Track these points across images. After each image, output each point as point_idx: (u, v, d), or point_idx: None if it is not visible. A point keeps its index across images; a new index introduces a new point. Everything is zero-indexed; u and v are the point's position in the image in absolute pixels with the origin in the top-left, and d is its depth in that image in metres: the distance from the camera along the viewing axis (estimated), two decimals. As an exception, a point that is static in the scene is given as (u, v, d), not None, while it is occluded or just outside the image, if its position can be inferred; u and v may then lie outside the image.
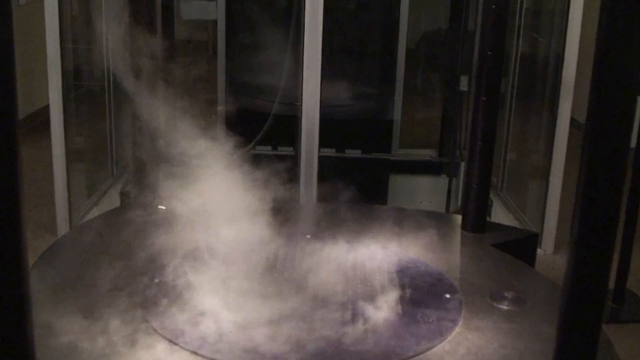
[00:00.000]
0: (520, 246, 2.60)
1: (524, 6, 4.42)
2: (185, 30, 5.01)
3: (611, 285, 3.33)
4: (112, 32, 4.18)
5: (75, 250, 2.46)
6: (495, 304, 2.07)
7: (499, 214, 4.25)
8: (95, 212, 3.98)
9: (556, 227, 3.89)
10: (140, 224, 2.58)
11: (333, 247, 2.43)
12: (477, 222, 2.63)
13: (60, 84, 3.64)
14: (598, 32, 1.69)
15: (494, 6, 2.52)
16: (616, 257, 3.31)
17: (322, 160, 3.67)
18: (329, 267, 2.29)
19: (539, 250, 3.73)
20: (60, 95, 3.64)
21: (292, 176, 3.76)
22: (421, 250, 2.44)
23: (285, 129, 3.91)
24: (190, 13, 4.58)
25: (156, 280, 2.16)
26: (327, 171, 3.70)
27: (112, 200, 4.16)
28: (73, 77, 4.04)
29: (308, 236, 2.55)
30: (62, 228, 3.75)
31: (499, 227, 2.84)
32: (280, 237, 2.46)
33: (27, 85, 5.32)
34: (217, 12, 4.56)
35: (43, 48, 3.62)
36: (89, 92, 4.40)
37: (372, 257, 2.37)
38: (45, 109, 3.86)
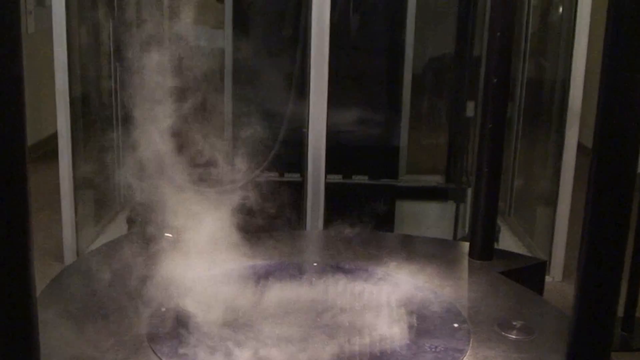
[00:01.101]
0: (528, 274, 2.59)
1: (530, 31, 4.43)
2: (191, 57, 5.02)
3: (620, 312, 3.30)
4: (120, 59, 4.22)
5: (83, 278, 2.46)
6: (503, 333, 2.05)
7: (507, 240, 4.24)
8: (102, 239, 3.98)
9: (565, 253, 3.87)
10: (147, 253, 2.58)
11: (339, 275, 2.42)
12: (484, 249, 2.62)
13: (68, 112, 3.65)
14: (603, 57, 1.69)
15: (499, 33, 2.52)
16: (625, 284, 3.30)
17: (328, 186, 3.67)
18: (335, 295, 2.28)
19: (547, 278, 3.70)
20: (69, 124, 3.66)
21: (298, 203, 3.77)
22: (428, 278, 2.43)
23: (291, 155, 3.92)
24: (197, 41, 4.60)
25: (163, 309, 2.15)
26: (334, 197, 3.70)
27: (119, 227, 4.16)
28: (81, 105, 4.06)
29: (314, 264, 2.54)
30: (69, 256, 3.75)
31: (506, 254, 2.82)
32: (286, 265, 2.45)
33: (35, 112, 5.35)
34: (225, 40, 4.59)
35: (51, 75, 3.65)
36: (96, 119, 4.42)
37: (379, 285, 2.36)
38: (53, 136, 3.88)
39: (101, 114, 4.42)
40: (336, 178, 4.21)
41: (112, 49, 4.30)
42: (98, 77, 4.51)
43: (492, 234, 2.67)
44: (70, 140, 3.68)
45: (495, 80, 2.53)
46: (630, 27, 1.64)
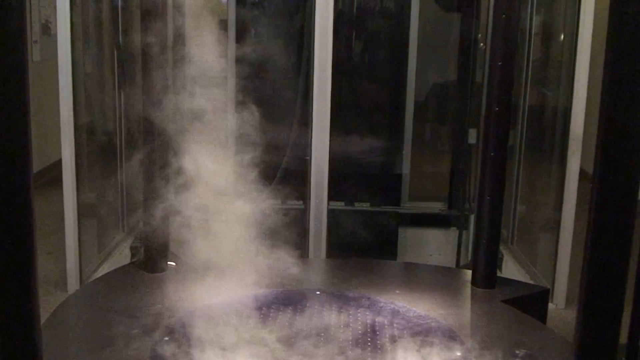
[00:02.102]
0: (531, 302, 2.59)
1: (531, 58, 4.45)
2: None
3: (623, 339, 3.28)
4: (124, 89, 4.25)
5: (86, 308, 2.47)
6: (506, 362, 2.05)
7: (510, 268, 4.23)
8: (105, 267, 3.98)
9: (568, 280, 3.86)
10: (150, 281, 2.59)
11: (342, 303, 2.42)
12: (487, 277, 2.63)
13: (73, 141, 3.67)
14: (603, 84, 1.71)
15: (500, 63, 2.55)
16: (628, 309, 3.28)
17: (331, 213, 3.68)
18: (338, 323, 2.28)
19: (550, 305, 3.69)
20: (73, 152, 3.67)
21: (301, 230, 3.77)
22: (432, 306, 2.43)
23: (294, 183, 3.93)
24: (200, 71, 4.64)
25: (166, 338, 2.15)
26: (337, 224, 3.71)
27: (122, 256, 4.17)
28: (85, 132, 4.09)
29: (317, 292, 2.54)
30: (73, 284, 3.75)
31: (509, 282, 2.83)
32: (289, 293, 2.45)
33: (39, 139, 5.38)
34: (227, 69, 4.62)
35: (55, 102, 3.67)
36: (101, 147, 4.44)
37: (383, 313, 2.36)
38: (57, 164, 3.90)
39: (105, 142, 4.44)
40: (339, 205, 4.22)
41: (116, 77, 4.33)
42: (102, 105, 4.54)
43: (494, 262, 2.67)
44: (75, 168, 3.69)
45: (496, 109, 2.55)
46: (630, 56, 1.66)
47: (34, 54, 5.71)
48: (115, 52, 4.26)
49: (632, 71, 1.66)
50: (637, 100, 1.68)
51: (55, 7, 3.63)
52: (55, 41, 3.66)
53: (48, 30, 5.97)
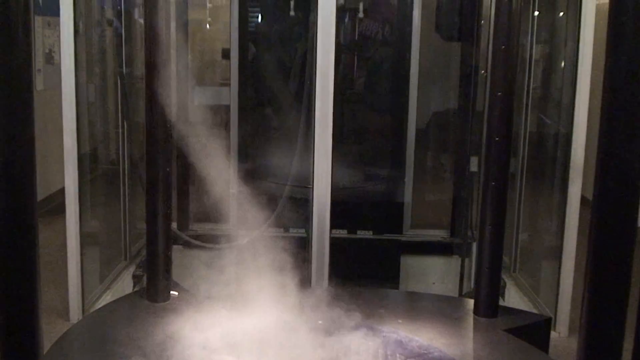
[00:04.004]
0: (534, 331, 2.58)
1: (532, 85, 4.48)
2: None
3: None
4: (128, 117, 4.28)
5: (89, 338, 2.46)
6: (509, 393, 2.05)
7: (513, 296, 4.22)
8: (108, 295, 3.98)
9: (570, 308, 3.85)
10: (153, 311, 2.59)
11: (345, 333, 2.42)
12: (489, 306, 2.62)
13: (76, 170, 3.68)
14: (602, 113, 1.73)
15: (500, 93, 2.56)
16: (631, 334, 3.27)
17: (333, 241, 3.68)
18: (341, 353, 2.28)
19: (553, 333, 3.68)
20: (77, 182, 3.68)
21: (303, 258, 3.77)
22: (434, 336, 2.43)
23: (296, 211, 3.95)
24: (204, 98, 4.69)
25: (168, 370, 2.15)
26: (339, 252, 3.70)
27: (124, 284, 4.17)
28: (88, 161, 4.10)
29: (320, 322, 2.54)
30: (75, 312, 3.75)
31: (511, 311, 2.82)
32: (291, 323, 2.45)
33: (42, 167, 5.39)
34: (230, 98, 4.66)
35: (58, 130, 3.69)
36: (104, 175, 4.46)
37: (385, 343, 2.36)
38: (59, 192, 3.91)
39: (108, 170, 4.46)
40: (341, 233, 4.23)
41: (120, 106, 4.36)
42: (106, 133, 4.57)
43: (496, 292, 2.67)
44: (78, 197, 3.70)
45: (497, 139, 2.56)
46: (628, 84, 1.68)
47: (37, 82, 5.75)
48: (118, 81, 4.29)
49: (631, 99, 1.68)
50: (636, 127, 1.70)
51: (59, 36, 3.67)
52: (59, 70, 3.69)
53: (52, 59, 6.01)
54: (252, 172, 4.58)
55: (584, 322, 1.80)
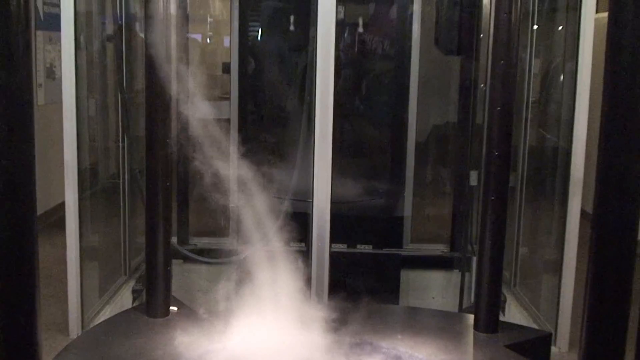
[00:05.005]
0: (534, 346, 2.58)
1: (531, 99, 4.48)
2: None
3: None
4: (128, 131, 4.28)
5: (88, 354, 2.46)
6: (509, 409, 2.04)
7: (513, 310, 4.21)
8: (107, 311, 3.97)
9: (571, 323, 3.83)
10: (153, 326, 2.58)
11: (345, 349, 2.41)
12: (489, 322, 2.62)
13: (76, 184, 3.68)
14: (601, 126, 1.73)
15: (499, 108, 2.57)
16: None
17: (333, 256, 3.68)
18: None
19: (553, 349, 3.67)
20: (77, 197, 3.68)
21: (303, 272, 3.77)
22: (434, 352, 2.42)
23: (296, 225, 3.93)
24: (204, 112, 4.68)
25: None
26: (339, 267, 3.70)
27: (124, 299, 4.16)
28: (89, 175, 4.10)
29: (320, 337, 2.53)
30: (74, 328, 3.73)
31: (511, 326, 2.81)
32: (291, 338, 2.45)
33: (42, 181, 5.40)
34: (230, 111, 4.67)
35: (58, 145, 3.69)
36: (103, 189, 4.46)
37: (385, 359, 2.35)
38: (59, 207, 3.91)
39: (108, 185, 4.46)
40: (341, 247, 4.22)
41: (120, 121, 4.36)
42: (106, 147, 4.57)
43: (497, 307, 2.66)
44: (78, 212, 3.70)
45: (496, 153, 2.56)
46: (627, 98, 1.68)
47: (38, 97, 5.76)
48: (119, 95, 4.30)
49: (630, 112, 1.68)
50: (635, 140, 1.70)
51: (59, 51, 3.68)
52: (59, 84, 3.70)
53: (52, 73, 6.03)
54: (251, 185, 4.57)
55: (584, 338, 1.79)
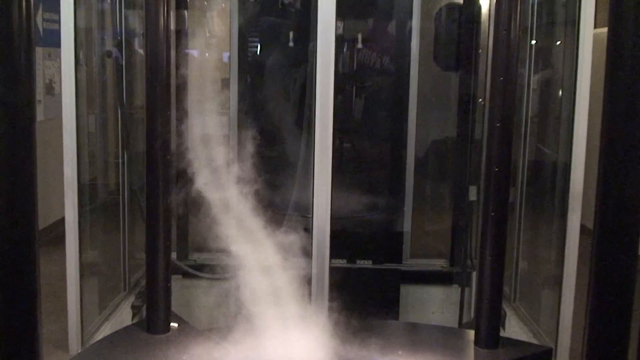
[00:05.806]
0: (535, 362, 2.58)
1: (530, 114, 4.49)
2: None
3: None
4: (128, 147, 4.29)
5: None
6: None
7: (513, 326, 4.20)
8: (107, 327, 3.95)
9: (571, 338, 3.82)
10: (153, 343, 2.58)
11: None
12: (490, 338, 2.61)
13: (76, 201, 3.68)
14: (601, 139, 1.74)
15: (498, 124, 2.57)
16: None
17: (333, 271, 3.67)
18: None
19: (554, 363, 3.66)
20: (77, 212, 3.68)
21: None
22: (434, 368, 2.41)
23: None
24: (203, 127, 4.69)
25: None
26: (338, 282, 3.69)
27: (124, 315, 4.15)
28: (88, 191, 4.10)
29: (319, 352, 2.53)
30: (74, 344, 3.72)
31: (512, 342, 2.81)
32: (291, 354, 2.44)
33: (41, 197, 5.38)
34: (230, 126, 4.67)
35: (57, 161, 3.69)
36: (103, 205, 4.46)
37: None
38: (58, 223, 3.90)
39: (108, 201, 4.46)
40: (340, 262, 4.21)
41: (120, 135, 4.37)
42: (106, 163, 4.57)
43: (497, 323, 2.66)
44: (78, 228, 3.70)
45: (495, 169, 2.56)
46: (627, 111, 1.69)
47: (38, 113, 5.77)
48: (119, 111, 4.31)
49: (629, 127, 1.69)
50: (635, 155, 1.71)
51: (59, 66, 3.69)
52: (59, 100, 3.70)
53: (52, 89, 6.04)
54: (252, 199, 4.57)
55: (585, 353, 1.79)
